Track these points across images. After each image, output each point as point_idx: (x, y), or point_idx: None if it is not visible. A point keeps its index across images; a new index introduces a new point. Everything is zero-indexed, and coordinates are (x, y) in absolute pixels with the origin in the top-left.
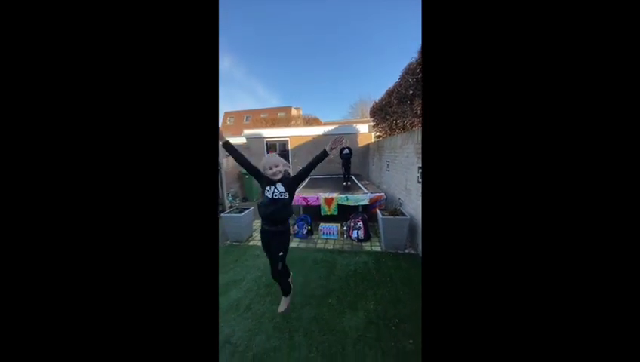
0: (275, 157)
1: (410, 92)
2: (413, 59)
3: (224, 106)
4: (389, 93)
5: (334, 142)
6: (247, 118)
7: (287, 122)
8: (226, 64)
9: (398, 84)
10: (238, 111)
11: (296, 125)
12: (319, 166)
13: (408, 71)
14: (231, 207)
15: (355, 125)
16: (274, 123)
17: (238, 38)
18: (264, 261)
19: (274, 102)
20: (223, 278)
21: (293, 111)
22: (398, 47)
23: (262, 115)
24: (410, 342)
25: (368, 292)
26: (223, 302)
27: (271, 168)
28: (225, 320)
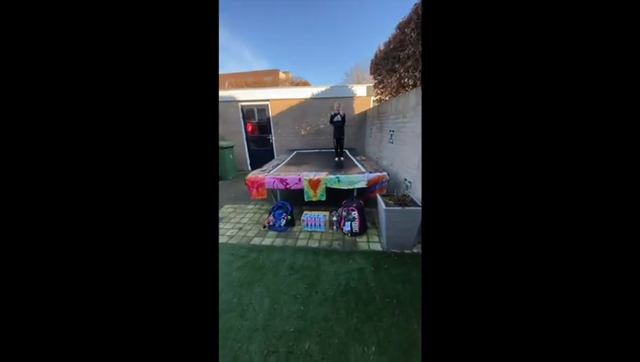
0: None
1: None
2: None
3: None
4: (402, 27)
5: None
6: (229, 83)
7: (273, 86)
8: None
9: (420, 5)
10: (220, 75)
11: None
12: (308, 138)
13: None
14: None
15: (350, 87)
16: (259, 87)
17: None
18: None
19: (262, 67)
20: None
21: (281, 75)
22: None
23: (247, 79)
24: None
25: (366, 325)
26: None
27: None
28: None
